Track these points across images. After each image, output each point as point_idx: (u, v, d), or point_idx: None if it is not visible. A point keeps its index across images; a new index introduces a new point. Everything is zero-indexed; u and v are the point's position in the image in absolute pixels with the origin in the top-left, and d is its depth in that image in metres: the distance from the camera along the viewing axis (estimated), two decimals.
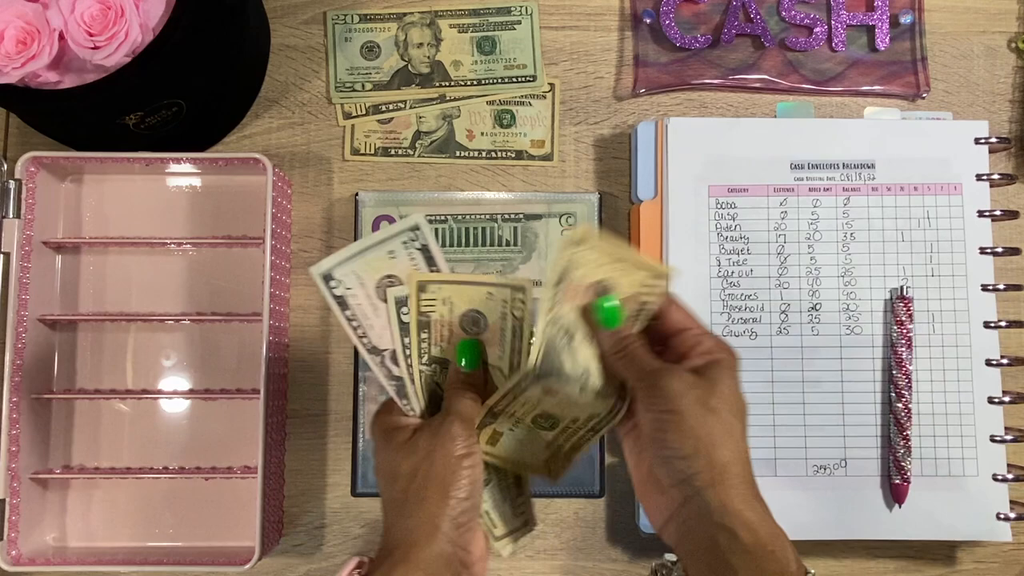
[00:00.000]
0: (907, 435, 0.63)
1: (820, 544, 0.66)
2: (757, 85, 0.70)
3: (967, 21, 0.72)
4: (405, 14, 0.70)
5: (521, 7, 0.71)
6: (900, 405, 0.63)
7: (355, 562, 0.46)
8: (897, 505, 0.63)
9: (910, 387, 0.63)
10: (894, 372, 0.63)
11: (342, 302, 0.47)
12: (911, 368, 0.63)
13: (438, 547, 0.44)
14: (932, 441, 0.64)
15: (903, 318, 0.63)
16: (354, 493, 0.66)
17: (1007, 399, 0.64)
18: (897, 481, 0.63)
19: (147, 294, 0.68)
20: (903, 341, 0.63)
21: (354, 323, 0.48)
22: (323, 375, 0.68)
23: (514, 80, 0.70)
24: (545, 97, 0.70)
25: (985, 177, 0.66)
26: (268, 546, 0.61)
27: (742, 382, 0.46)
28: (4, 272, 0.63)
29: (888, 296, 0.65)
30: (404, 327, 0.48)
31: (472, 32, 0.70)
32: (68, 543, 0.66)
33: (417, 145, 0.70)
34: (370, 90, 0.70)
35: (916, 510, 0.63)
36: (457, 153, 0.70)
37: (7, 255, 0.62)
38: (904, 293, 0.64)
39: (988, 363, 0.64)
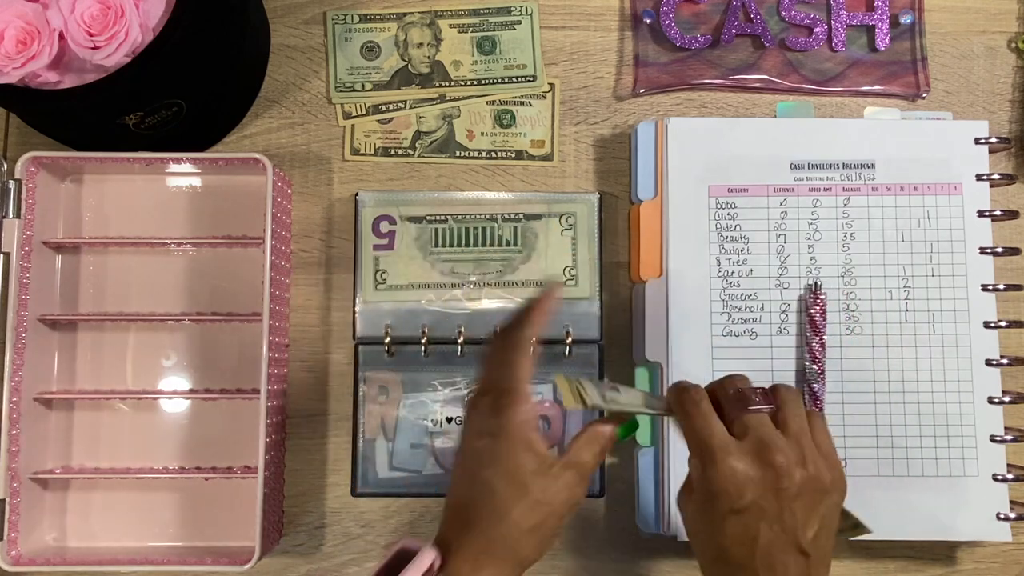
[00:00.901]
0: None
1: None
2: (757, 85, 0.70)
3: (967, 21, 0.72)
4: (405, 14, 0.70)
5: (521, 7, 0.71)
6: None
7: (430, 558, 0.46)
8: None
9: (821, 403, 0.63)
10: (807, 371, 0.64)
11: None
12: (824, 391, 0.63)
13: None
14: (932, 441, 0.64)
15: (816, 319, 0.63)
16: (354, 493, 0.66)
17: (1007, 399, 0.64)
18: None
19: (147, 294, 0.68)
20: (816, 339, 0.63)
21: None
22: (323, 375, 0.68)
23: (514, 80, 0.70)
24: (545, 97, 0.70)
25: (985, 177, 0.66)
26: (268, 546, 0.61)
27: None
28: (4, 272, 0.63)
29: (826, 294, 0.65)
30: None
31: (472, 32, 0.70)
32: (68, 543, 0.66)
33: (417, 145, 0.70)
34: (370, 90, 0.70)
35: (917, 510, 0.63)
36: (457, 153, 0.70)
37: (7, 255, 0.62)
38: (817, 291, 0.64)
39: (988, 363, 0.64)
